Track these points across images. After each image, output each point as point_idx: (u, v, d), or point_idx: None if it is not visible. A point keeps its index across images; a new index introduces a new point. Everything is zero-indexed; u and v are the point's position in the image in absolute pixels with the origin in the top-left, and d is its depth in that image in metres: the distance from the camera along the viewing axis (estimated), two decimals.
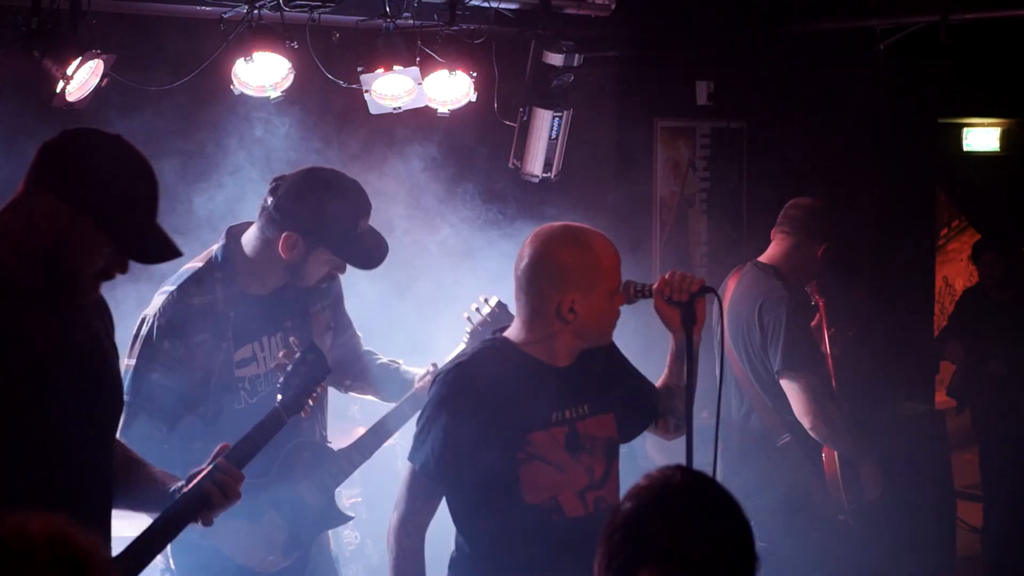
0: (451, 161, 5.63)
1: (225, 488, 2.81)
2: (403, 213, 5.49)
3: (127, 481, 2.79)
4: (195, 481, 2.80)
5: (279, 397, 3.01)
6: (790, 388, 4.49)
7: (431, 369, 3.62)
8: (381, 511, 5.27)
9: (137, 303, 3.51)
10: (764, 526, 4.67)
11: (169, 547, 3.38)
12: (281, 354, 3.08)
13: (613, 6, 5.44)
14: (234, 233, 3.50)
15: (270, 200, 3.41)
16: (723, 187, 6.57)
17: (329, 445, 3.59)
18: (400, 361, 3.88)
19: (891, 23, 6.13)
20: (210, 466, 2.83)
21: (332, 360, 3.65)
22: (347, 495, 5.18)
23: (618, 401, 3.14)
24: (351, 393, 3.85)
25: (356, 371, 3.82)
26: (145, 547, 2.74)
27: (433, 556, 3.28)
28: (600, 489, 3.04)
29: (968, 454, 6.57)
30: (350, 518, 3.65)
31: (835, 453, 4.56)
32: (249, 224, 3.50)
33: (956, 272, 8.83)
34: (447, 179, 5.66)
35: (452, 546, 3.20)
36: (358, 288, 4.13)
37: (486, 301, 3.75)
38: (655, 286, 2.99)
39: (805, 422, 4.48)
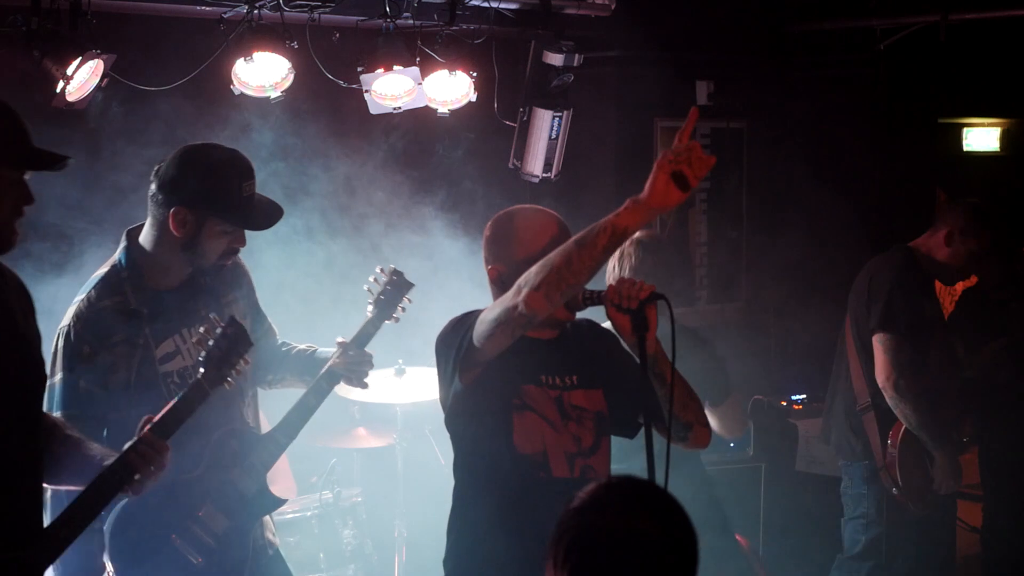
0: (450, 161, 5.64)
1: (149, 459, 2.88)
2: (402, 212, 5.49)
3: (67, 460, 2.87)
4: (120, 453, 2.88)
5: (201, 370, 3.04)
6: (877, 346, 4.67)
7: (340, 341, 3.76)
8: (381, 511, 5.29)
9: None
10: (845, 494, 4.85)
11: (107, 554, 3.41)
12: (202, 329, 3.07)
13: (613, 6, 5.44)
14: (133, 234, 3.52)
15: (153, 186, 3.44)
16: (723, 187, 6.57)
17: (254, 430, 3.61)
18: (315, 346, 3.93)
19: (891, 23, 6.13)
20: (135, 438, 2.90)
21: (261, 352, 3.74)
22: (347, 495, 5.18)
23: (607, 380, 3.20)
24: (274, 388, 3.87)
25: (275, 364, 3.84)
26: (73, 519, 2.80)
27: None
28: (589, 458, 3.12)
29: (968, 454, 6.55)
30: (283, 501, 3.66)
31: (901, 429, 4.70)
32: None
33: None
34: (446, 179, 5.67)
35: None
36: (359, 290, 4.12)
37: (382, 271, 3.89)
38: (605, 294, 3.01)
39: (879, 379, 4.66)
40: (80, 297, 3.44)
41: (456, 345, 3.07)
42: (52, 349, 3.39)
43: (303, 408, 3.68)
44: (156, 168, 3.47)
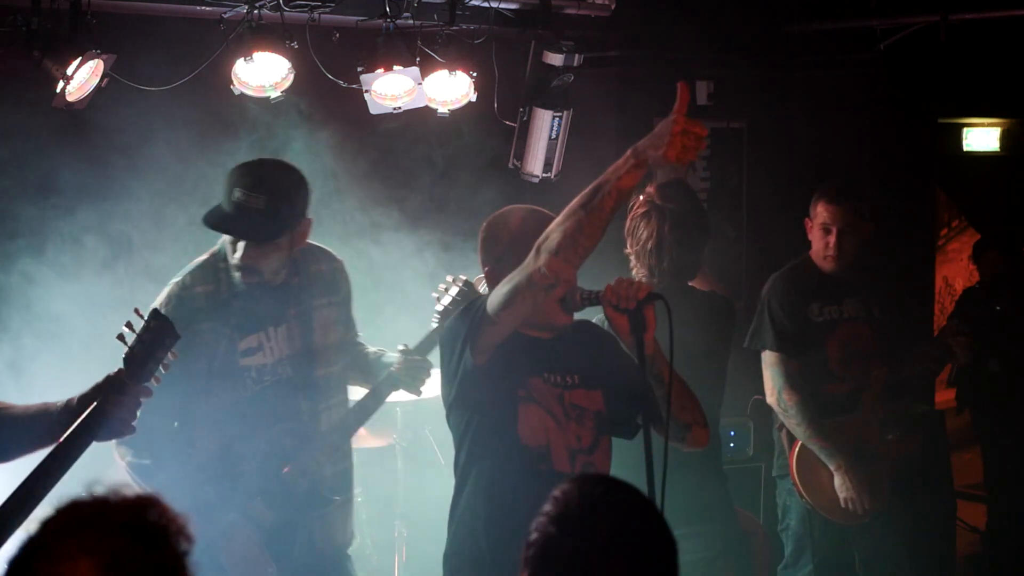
0: (450, 161, 5.64)
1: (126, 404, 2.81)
2: (403, 212, 5.49)
3: (9, 428, 2.82)
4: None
5: (120, 368, 2.86)
6: (763, 364, 4.66)
7: (402, 349, 3.78)
8: (381, 511, 5.28)
9: None
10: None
11: None
12: (125, 325, 2.93)
13: (613, 6, 5.44)
14: None
15: None
16: (723, 187, 6.57)
17: (308, 430, 3.63)
18: (385, 350, 3.96)
19: (891, 23, 6.12)
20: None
21: (348, 359, 3.77)
22: None
23: (607, 381, 3.21)
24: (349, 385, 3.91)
25: (352, 364, 3.89)
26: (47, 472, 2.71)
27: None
28: (589, 455, 3.14)
29: (968, 454, 6.56)
30: (332, 500, 3.68)
31: (798, 444, 4.67)
32: None
33: (956, 272, 8.83)
34: (446, 179, 5.67)
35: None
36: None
37: (453, 280, 3.91)
38: (603, 294, 3.00)
39: (766, 397, 4.67)
40: (175, 280, 3.52)
41: (467, 325, 3.06)
42: None
43: (361, 411, 3.73)
44: None
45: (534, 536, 1.88)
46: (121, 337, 2.90)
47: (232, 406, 3.47)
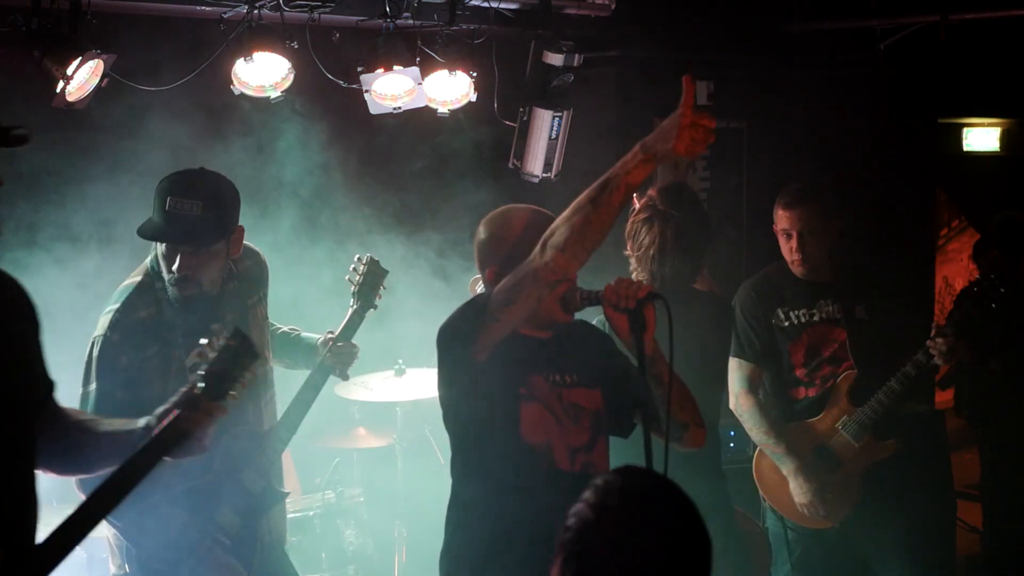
0: (450, 161, 5.64)
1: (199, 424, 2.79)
2: (402, 212, 5.49)
3: (95, 442, 2.79)
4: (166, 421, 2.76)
5: (200, 385, 2.81)
6: (728, 369, 4.64)
7: (328, 336, 3.87)
8: (381, 511, 5.29)
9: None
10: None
11: (122, 551, 3.44)
12: (204, 342, 2.87)
13: (613, 6, 5.45)
14: None
15: None
16: (723, 187, 6.57)
17: (258, 430, 3.67)
18: (299, 329, 4.02)
19: (891, 23, 6.12)
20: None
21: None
22: (348, 495, 5.19)
23: (605, 380, 3.21)
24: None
25: (275, 350, 3.94)
26: (121, 483, 2.68)
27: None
28: (588, 454, 3.13)
29: (968, 454, 6.55)
30: (285, 495, 3.78)
31: (759, 448, 4.70)
32: None
33: (956, 272, 8.82)
34: (446, 179, 5.67)
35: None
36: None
37: (360, 260, 3.99)
38: (603, 294, 3.00)
39: (729, 404, 4.65)
40: (115, 306, 3.44)
41: (468, 322, 3.06)
42: (85, 358, 3.41)
43: (301, 403, 3.76)
44: None
45: (571, 521, 1.87)
46: (201, 354, 2.84)
47: None
